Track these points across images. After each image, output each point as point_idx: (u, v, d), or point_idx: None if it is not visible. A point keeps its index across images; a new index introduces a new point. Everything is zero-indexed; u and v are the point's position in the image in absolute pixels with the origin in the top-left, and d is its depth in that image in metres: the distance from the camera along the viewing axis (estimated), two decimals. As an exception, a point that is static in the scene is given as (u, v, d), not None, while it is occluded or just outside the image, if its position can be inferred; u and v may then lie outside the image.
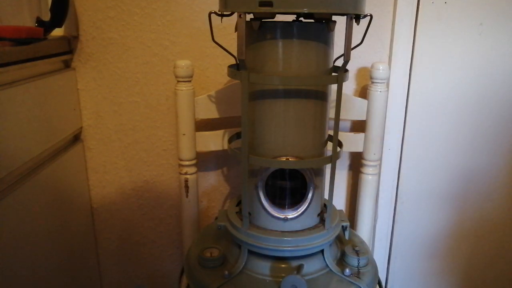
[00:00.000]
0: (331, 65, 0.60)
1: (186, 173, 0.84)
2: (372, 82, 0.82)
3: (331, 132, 0.61)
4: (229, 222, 0.65)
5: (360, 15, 0.55)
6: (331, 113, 0.60)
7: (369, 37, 0.87)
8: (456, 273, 1.07)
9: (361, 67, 0.91)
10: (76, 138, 0.94)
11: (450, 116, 0.94)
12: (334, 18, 0.57)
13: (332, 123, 0.60)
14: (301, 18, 0.63)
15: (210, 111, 0.83)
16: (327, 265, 0.63)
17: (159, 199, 1.00)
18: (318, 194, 0.63)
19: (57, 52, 0.83)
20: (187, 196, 0.86)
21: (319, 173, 0.63)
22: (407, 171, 0.98)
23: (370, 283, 0.62)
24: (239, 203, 0.69)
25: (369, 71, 0.83)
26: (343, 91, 0.59)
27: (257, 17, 0.54)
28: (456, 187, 0.99)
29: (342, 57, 0.55)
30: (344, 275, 0.62)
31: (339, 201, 1.01)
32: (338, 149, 0.62)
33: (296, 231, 0.62)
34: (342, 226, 0.67)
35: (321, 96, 0.60)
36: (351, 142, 0.86)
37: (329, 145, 0.64)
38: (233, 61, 0.65)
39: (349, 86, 0.92)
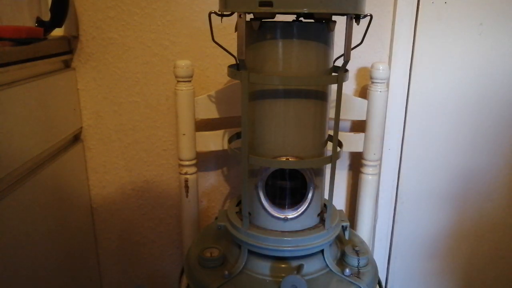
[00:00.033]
0: (331, 65, 0.60)
1: (186, 173, 0.84)
2: (372, 82, 0.82)
3: (331, 132, 0.61)
4: (229, 222, 0.65)
5: (360, 15, 0.55)
6: (331, 113, 0.60)
7: (369, 37, 0.87)
8: (456, 273, 1.07)
9: (361, 67, 0.91)
10: (76, 138, 0.94)
11: (450, 116, 0.94)
12: (334, 18, 0.57)
13: (332, 123, 0.60)
14: (301, 18, 0.63)
15: (210, 111, 0.83)
16: (327, 265, 0.63)
17: (159, 199, 1.00)
18: (318, 194, 0.63)
19: (57, 52, 0.83)
20: (187, 196, 0.86)
21: (319, 173, 0.63)
22: (407, 171, 0.98)
23: (370, 283, 0.62)
24: (239, 203, 0.69)
25: (369, 71, 0.83)
26: (343, 91, 0.59)
27: (257, 17, 0.54)
28: (456, 187, 0.99)
29: (342, 57, 0.55)
30: (344, 275, 0.62)
31: (339, 201, 1.01)
32: (338, 149, 0.62)
33: (296, 231, 0.62)
34: (342, 226, 0.67)
35: (321, 96, 0.60)
36: (351, 142, 0.86)
37: (329, 145, 0.64)
38: (233, 61, 0.65)
39: (349, 86, 0.92)
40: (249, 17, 0.53)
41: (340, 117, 0.59)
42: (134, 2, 0.86)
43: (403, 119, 0.93)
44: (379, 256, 1.02)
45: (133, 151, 0.96)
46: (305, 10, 0.50)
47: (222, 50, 0.61)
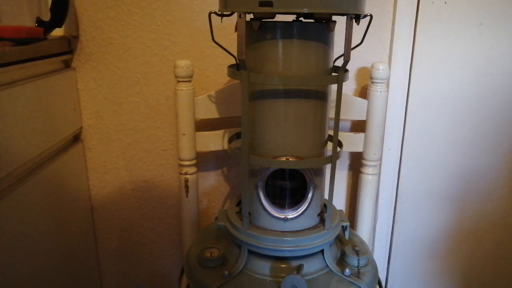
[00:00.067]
0: (331, 65, 0.60)
1: (186, 173, 0.84)
2: (372, 82, 0.82)
3: (331, 132, 0.61)
4: (229, 222, 0.65)
5: (360, 15, 0.55)
6: (331, 113, 0.60)
7: (369, 37, 0.87)
8: (456, 273, 1.07)
9: (361, 67, 0.91)
10: (76, 138, 0.94)
11: (450, 116, 0.94)
12: (334, 18, 0.57)
13: (332, 123, 0.60)
14: (301, 18, 0.63)
15: (210, 111, 0.83)
16: (327, 265, 0.63)
17: (159, 199, 1.00)
18: (318, 194, 0.63)
19: (57, 52, 0.83)
20: (187, 196, 0.86)
21: (319, 173, 0.63)
22: (407, 171, 0.98)
23: (370, 283, 0.62)
24: (239, 203, 0.69)
25: (369, 71, 0.83)
26: (343, 91, 0.59)
27: (257, 17, 0.54)
28: (456, 187, 0.99)
29: (342, 57, 0.55)
30: (344, 275, 0.62)
31: (339, 201, 1.01)
32: (338, 149, 0.62)
33: (296, 231, 0.62)
34: (342, 226, 0.67)
35: (321, 96, 0.60)
36: (351, 142, 0.86)
37: (329, 145, 0.64)
38: (233, 61, 0.65)
39: (349, 86, 0.92)
40: (249, 17, 0.53)
41: (340, 117, 0.59)
42: (134, 2, 0.86)
43: (403, 119, 0.93)
44: (379, 256, 1.02)
45: (133, 151, 0.96)
46: (305, 10, 0.50)
47: (222, 50, 0.61)
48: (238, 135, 0.74)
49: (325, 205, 0.66)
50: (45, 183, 0.77)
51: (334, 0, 0.50)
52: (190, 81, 0.80)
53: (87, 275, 0.98)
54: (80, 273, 0.94)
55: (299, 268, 0.61)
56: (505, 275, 1.07)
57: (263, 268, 0.62)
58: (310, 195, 0.62)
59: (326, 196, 0.64)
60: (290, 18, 0.60)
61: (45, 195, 0.77)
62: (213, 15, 0.57)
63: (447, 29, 0.88)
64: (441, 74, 0.91)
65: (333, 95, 0.59)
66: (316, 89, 0.59)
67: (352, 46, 0.55)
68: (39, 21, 0.79)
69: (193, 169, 0.85)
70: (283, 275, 0.59)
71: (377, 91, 0.82)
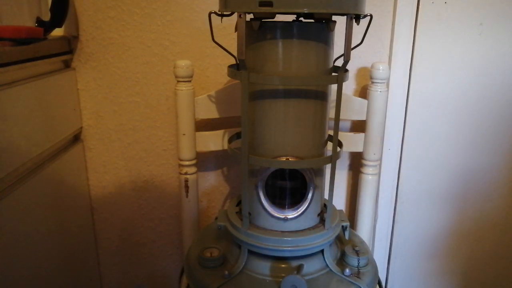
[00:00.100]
0: (331, 65, 0.60)
1: (186, 173, 0.84)
2: (372, 82, 0.82)
3: (331, 132, 0.61)
4: (229, 222, 0.65)
5: (360, 15, 0.55)
6: (331, 113, 0.60)
7: (369, 37, 0.87)
8: (456, 273, 1.07)
9: (361, 67, 0.91)
10: (76, 138, 0.94)
11: (450, 116, 0.94)
12: (334, 18, 0.57)
13: (332, 123, 0.60)
14: (301, 18, 0.63)
15: (210, 111, 0.83)
16: (327, 265, 0.63)
17: (159, 199, 1.00)
18: (318, 194, 0.63)
19: (57, 52, 0.83)
20: (187, 196, 0.86)
21: (319, 173, 0.63)
22: (407, 171, 0.98)
23: (370, 283, 0.62)
24: (239, 203, 0.69)
25: (369, 71, 0.83)
26: (343, 91, 0.59)
27: (257, 17, 0.54)
28: (456, 187, 0.99)
29: (342, 57, 0.55)
30: (344, 275, 0.62)
31: (339, 201, 1.01)
32: (338, 149, 0.62)
33: (296, 231, 0.62)
34: (342, 226, 0.67)
35: (321, 96, 0.60)
36: (351, 142, 0.86)
37: (329, 145, 0.64)
38: (233, 61, 0.65)
39: (349, 86, 0.92)
40: (249, 17, 0.53)
41: (340, 117, 0.59)
42: (134, 2, 0.86)
43: (403, 119, 0.93)
44: (379, 256, 1.02)
45: (133, 151, 0.96)
46: (305, 10, 0.50)
47: (222, 50, 0.61)
48: (238, 135, 0.74)
49: (325, 205, 0.66)
50: (45, 183, 0.77)
51: (334, 0, 0.50)
52: (190, 81, 0.80)
53: (87, 275, 0.98)
54: (80, 273, 0.94)
55: (299, 268, 0.61)
56: (505, 275, 1.07)
57: (263, 268, 0.62)
58: (310, 195, 0.62)
59: (326, 196, 0.64)
60: (290, 18, 0.60)
61: (45, 195, 0.77)
62: (213, 15, 0.57)
63: (447, 29, 0.88)
64: (441, 74, 0.91)
65: (333, 95, 0.59)
66: (316, 89, 0.59)
67: (352, 46, 0.55)
68: (39, 21, 0.79)
69: (193, 169, 0.85)
70: (283, 275, 0.59)
71: (377, 91, 0.82)
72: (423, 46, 0.89)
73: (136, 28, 0.87)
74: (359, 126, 0.91)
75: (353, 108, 0.84)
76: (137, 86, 0.91)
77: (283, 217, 0.62)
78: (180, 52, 0.89)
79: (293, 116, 0.59)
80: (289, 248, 0.60)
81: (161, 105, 0.92)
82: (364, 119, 0.84)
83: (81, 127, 0.94)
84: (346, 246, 0.67)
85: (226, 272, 0.61)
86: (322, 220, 0.65)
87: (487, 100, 0.92)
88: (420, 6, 0.86)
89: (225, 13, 0.56)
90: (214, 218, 0.81)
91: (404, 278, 1.07)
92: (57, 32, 0.84)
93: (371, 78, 0.82)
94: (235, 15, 0.52)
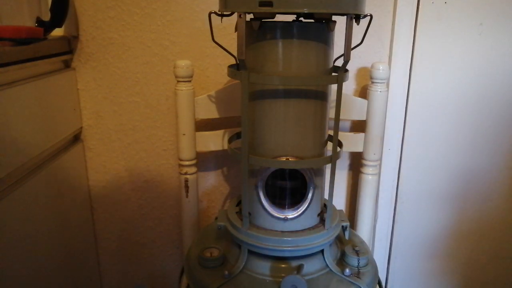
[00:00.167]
0: (331, 65, 0.60)
1: (186, 173, 0.84)
2: (372, 82, 0.82)
3: (331, 132, 0.61)
4: (229, 222, 0.65)
5: (360, 15, 0.55)
6: (331, 113, 0.60)
7: (369, 37, 0.87)
8: (456, 273, 1.07)
9: (361, 67, 0.91)
10: (76, 138, 0.94)
11: (450, 116, 0.94)
12: (334, 18, 0.57)
13: (332, 123, 0.60)
14: (301, 18, 0.63)
15: (210, 111, 0.83)
16: (327, 265, 0.63)
17: (159, 199, 1.00)
18: (318, 194, 0.63)
19: (57, 52, 0.83)
20: (187, 196, 0.86)
21: (319, 173, 0.63)
22: (407, 171, 0.98)
23: (370, 283, 0.62)
24: (239, 203, 0.69)
25: (369, 71, 0.83)
26: (343, 91, 0.59)
27: (257, 17, 0.54)
28: (456, 187, 0.99)
29: (342, 57, 0.55)
30: (344, 275, 0.62)
31: (339, 201, 1.01)
32: (338, 149, 0.62)
33: (296, 231, 0.62)
34: (342, 226, 0.67)
35: (321, 96, 0.60)
36: (351, 142, 0.86)
37: (329, 145, 0.64)
38: (233, 61, 0.65)
39: (349, 86, 0.92)
40: (249, 17, 0.53)
41: (340, 117, 0.59)
42: (134, 2, 0.86)
43: (403, 119, 0.93)
44: (379, 256, 1.02)
45: (133, 151, 0.96)
46: (305, 10, 0.50)
47: (222, 50, 0.61)
48: (238, 135, 0.74)
49: (325, 205, 0.66)
50: (45, 183, 0.77)
51: (334, 0, 0.50)
52: (190, 81, 0.80)
53: (87, 275, 0.98)
54: (80, 273, 0.94)
55: (299, 268, 0.61)
56: (505, 275, 1.07)
57: (263, 268, 0.62)
58: (310, 195, 0.62)
59: (326, 196, 0.64)
60: (290, 18, 0.60)
61: (45, 195, 0.77)
62: (213, 15, 0.57)
63: (447, 29, 0.88)
64: (441, 74, 0.91)
65: (333, 95, 0.59)
66: (316, 89, 0.59)
67: (352, 46, 0.55)
68: (39, 21, 0.79)
69: (193, 169, 0.85)
70: (283, 275, 0.59)
71: (377, 91, 0.82)
72: (423, 46, 0.89)
73: (136, 28, 0.87)
74: (359, 126, 0.91)
75: (353, 108, 0.84)
76: (137, 86, 0.91)
77: (283, 217, 0.62)
78: (180, 52, 0.89)
79: (293, 116, 0.59)
80: (289, 248, 0.60)
81: (161, 105, 0.92)
82: (364, 119, 0.84)
83: (81, 127, 0.94)
84: (346, 246, 0.67)
85: (226, 272, 0.61)
86: (322, 220, 0.65)
87: (487, 100, 0.92)
88: (420, 6, 0.86)
89: (225, 13, 0.56)
90: (214, 218, 0.81)
91: (404, 278, 1.07)
92: (57, 32, 0.84)
93: (371, 78, 0.82)
94: (235, 15, 0.52)
